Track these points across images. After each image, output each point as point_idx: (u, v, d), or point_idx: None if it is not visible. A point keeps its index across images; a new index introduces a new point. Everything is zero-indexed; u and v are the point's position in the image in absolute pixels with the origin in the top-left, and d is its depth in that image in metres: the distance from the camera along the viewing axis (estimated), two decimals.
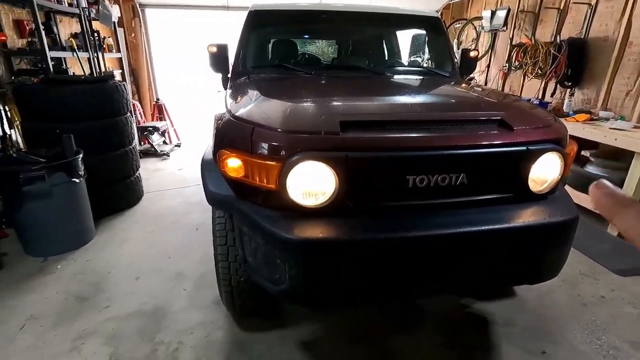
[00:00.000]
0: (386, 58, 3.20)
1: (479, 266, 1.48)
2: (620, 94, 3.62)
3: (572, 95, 4.07)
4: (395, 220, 1.40)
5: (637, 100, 3.43)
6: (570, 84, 4.11)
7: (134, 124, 3.52)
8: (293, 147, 1.32)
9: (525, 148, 1.45)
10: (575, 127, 3.36)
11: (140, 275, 2.43)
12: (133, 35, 5.83)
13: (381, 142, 1.37)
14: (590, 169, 3.37)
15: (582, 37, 3.97)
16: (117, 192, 3.30)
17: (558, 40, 4.12)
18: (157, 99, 6.24)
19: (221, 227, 1.69)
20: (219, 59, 2.52)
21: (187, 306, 2.14)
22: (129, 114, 3.36)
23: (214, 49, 2.49)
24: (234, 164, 1.44)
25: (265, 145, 1.36)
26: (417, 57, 3.16)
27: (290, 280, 1.35)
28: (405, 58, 3.25)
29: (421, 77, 2.62)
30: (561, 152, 1.50)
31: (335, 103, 1.72)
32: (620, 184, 2.98)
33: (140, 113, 5.84)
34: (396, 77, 2.61)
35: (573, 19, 4.13)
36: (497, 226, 1.39)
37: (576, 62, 3.95)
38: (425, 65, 3.00)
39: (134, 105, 5.34)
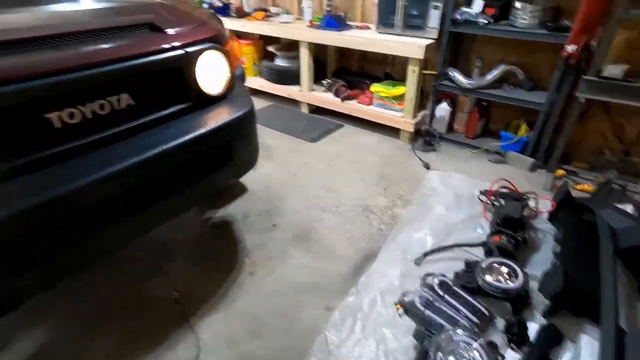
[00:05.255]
0: None
1: (180, 181, 1.47)
2: None
3: None
4: (60, 172, 1.13)
5: None
6: None
7: None
8: None
9: (183, 51, 1.39)
10: (257, 25, 3.69)
11: None
12: None
13: None
14: (278, 61, 3.90)
15: None
16: None
17: None
18: None
19: None
20: None
21: None
22: None
23: None
24: None
25: None
26: None
27: None
28: None
29: None
30: (220, 49, 1.55)
31: None
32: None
33: None
34: None
35: None
36: (183, 138, 1.36)
37: None
38: None
39: None
